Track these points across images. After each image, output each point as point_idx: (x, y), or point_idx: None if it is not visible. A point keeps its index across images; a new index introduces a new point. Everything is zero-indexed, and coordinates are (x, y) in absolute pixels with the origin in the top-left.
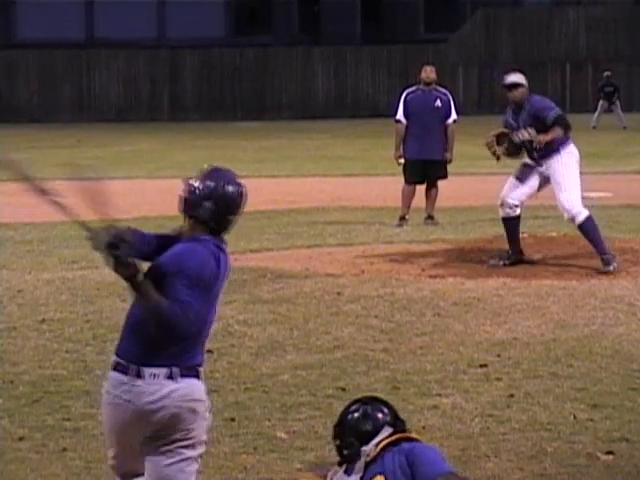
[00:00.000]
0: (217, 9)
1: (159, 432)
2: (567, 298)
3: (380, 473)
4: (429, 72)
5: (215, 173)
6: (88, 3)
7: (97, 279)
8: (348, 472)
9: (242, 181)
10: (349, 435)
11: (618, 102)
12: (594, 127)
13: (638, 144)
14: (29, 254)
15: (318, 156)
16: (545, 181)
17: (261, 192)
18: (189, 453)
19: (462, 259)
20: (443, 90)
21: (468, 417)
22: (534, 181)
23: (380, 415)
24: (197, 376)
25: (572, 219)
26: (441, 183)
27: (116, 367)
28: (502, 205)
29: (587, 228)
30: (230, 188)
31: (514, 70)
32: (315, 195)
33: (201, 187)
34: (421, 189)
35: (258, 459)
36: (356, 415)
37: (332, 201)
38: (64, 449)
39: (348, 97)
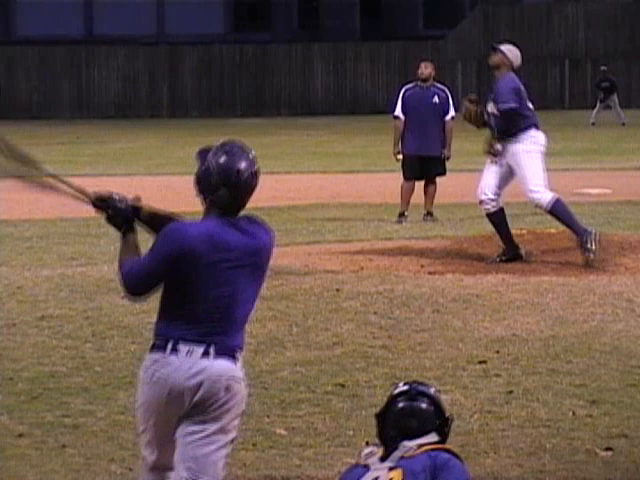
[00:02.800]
0: (216, 6)
1: (191, 413)
2: (566, 294)
3: (402, 467)
4: (424, 68)
5: (229, 152)
6: (87, 0)
7: (96, 276)
8: (382, 458)
9: (254, 154)
10: (392, 427)
11: (616, 98)
12: (593, 124)
13: (637, 140)
14: (28, 251)
15: (317, 153)
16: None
17: (260, 189)
18: (221, 437)
19: (461, 255)
20: (441, 86)
21: (467, 413)
22: (503, 170)
23: (430, 417)
24: (233, 357)
25: (540, 206)
26: (440, 179)
27: (153, 346)
28: (481, 203)
29: (556, 211)
30: (243, 169)
31: (513, 44)
32: (314, 192)
33: (215, 168)
34: (420, 186)
35: (257, 455)
36: (405, 409)
37: (331, 197)
38: (63, 446)
39: (347, 94)
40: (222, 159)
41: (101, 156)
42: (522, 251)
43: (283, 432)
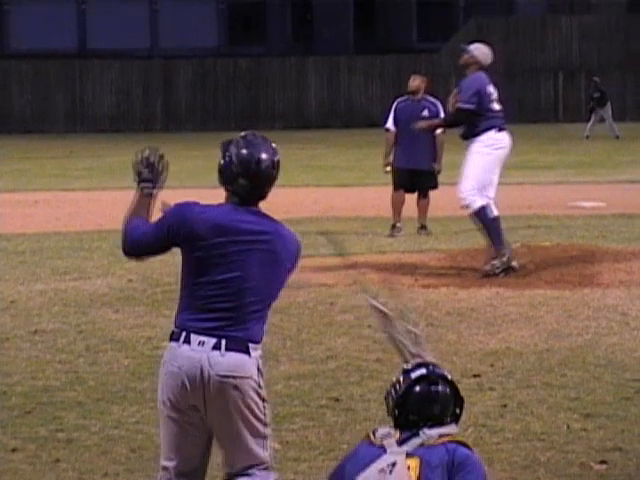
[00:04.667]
0: (210, 19)
1: (213, 414)
2: (560, 308)
3: (420, 456)
4: (412, 81)
5: (250, 142)
6: (81, 13)
7: (90, 290)
8: (399, 441)
9: (275, 145)
10: (413, 412)
11: (610, 111)
12: (587, 137)
13: (631, 153)
14: (22, 265)
15: (311, 166)
16: None
17: None
18: (252, 430)
19: (455, 269)
20: (433, 100)
21: (461, 427)
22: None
23: (450, 402)
24: (246, 351)
25: (466, 206)
26: (434, 193)
27: (170, 336)
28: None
29: (480, 217)
30: (263, 159)
31: (486, 44)
32: (308, 205)
33: (235, 158)
34: (413, 199)
35: None
36: (428, 394)
37: (325, 211)
38: (57, 460)
39: (341, 107)
40: (242, 149)
41: (95, 170)
42: (515, 263)
43: (277, 446)
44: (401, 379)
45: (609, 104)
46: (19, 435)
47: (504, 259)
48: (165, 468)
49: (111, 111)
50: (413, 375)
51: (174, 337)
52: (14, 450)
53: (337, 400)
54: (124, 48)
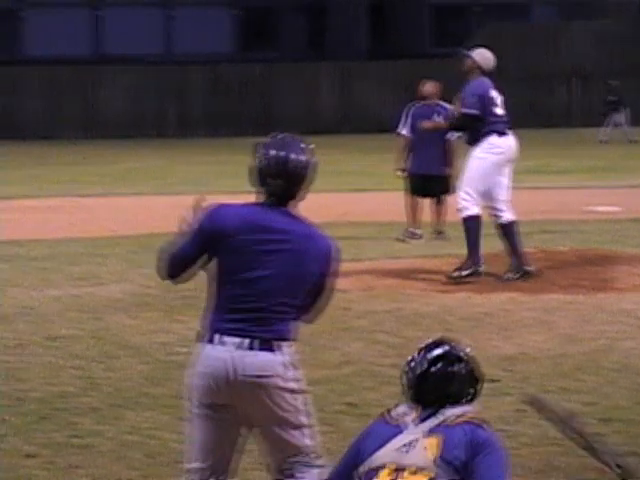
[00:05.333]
0: (224, 25)
1: (248, 414)
2: (575, 312)
3: (439, 436)
4: (424, 86)
5: (282, 143)
6: (95, 19)
7: (105, 296)
8: (418, 420)
9: (308, 146)
10: (431, 391)
11: (624, 116)
12: (601, 141)
13: None
14: (36, 271)
15: (325, 171)
16: None
17: None
18: (296, 424)
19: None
20: (445, 105)
21: None
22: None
23: (469, 381)
24: (275, 349)
25: (459, 210)
26: (449, 198)
27: (199, 337)
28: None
29: (467, 226)
30: (294, 160)
31: (487, 48)
32: (323, 211)
33: (267, 159)
34: (429, 204)
35: (267, 476)
36: (446, 374)
37: (340, 216)
38: (72, 466)
39: (354, 112)
40: (273, 150)
41: (108, 176)
42: (531, 268)
43: None
44: (417, 358)
45: (624, 108)
46: (34, 441)
47: (472, 269)
48: (191, 471)
49: (125, 117)
50: (430, 355)
51: (202, 338)
52: (29, 456)
53: (353, 405)
54: (138, 54)
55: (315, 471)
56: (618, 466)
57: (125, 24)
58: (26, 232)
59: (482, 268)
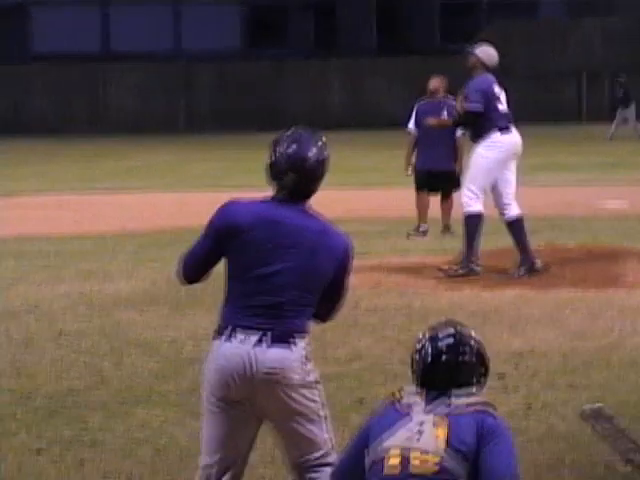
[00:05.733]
0: (233, 21)
1: (263, 402)
2: (585, 308)
3: (447, 424)
4: (431, 82)
5: (297, 139)
6: (104, 16)
7: (114, 292)
8: (426, 408)
9: (323, 142)
10: (440, 378)
11: (633, 112)
12: (611, 138)
13: None
14: (45, 267)
15: (335, 167)
16: None
17: None
18: (310, 418)
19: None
20: (452, 101)
21: None
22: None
23: (477, 368)
24: (289, 343)
25: (462, 207)
26: (457, 193)
27: (215, 332)
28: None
29: (467, 223)
30: (310, 156)
31: (495, 45)
32: (331, 206)
33: (283, 155)
34: (437, 200)
35: (276, 472)
36: (455, 362)
37: (348, 212)
38: (82, 462)
39: (364, 109)
40: (290, 146)
41: (117, 172)
42: (538, 263)
43: None
44: (427, 346)
45: (633, 105)
46: (44, 436)
47: (468, 268)
48: (206, 466)
49: (133, 114)
50: (440, 344)
51: (218, 333)
52: (39, 451)
53: (362, 402)
54: (147, 50)
55: (328, 469)
56: None
57: (133, 21)
58: (34, 228)
59: (479, 267)
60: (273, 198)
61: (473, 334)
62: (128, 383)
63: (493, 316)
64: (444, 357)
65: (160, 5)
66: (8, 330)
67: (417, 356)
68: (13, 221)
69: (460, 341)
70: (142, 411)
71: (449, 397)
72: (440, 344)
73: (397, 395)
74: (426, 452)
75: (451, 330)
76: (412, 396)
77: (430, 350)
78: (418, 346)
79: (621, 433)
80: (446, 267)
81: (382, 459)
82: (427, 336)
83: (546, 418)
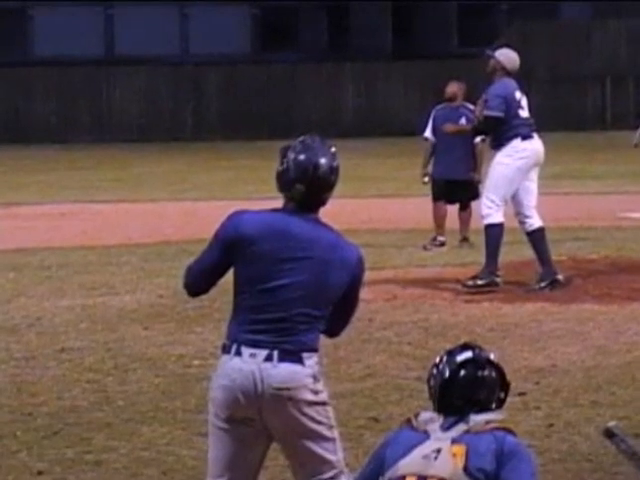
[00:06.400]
0: (243, 24)
1: (272, 421)
2: (608, 323)
3: (466, 443)
4: (448, 87)
5: (307, 147)
6: (108, 18)
7: (118, 306)
8: (444, 427)
9: (335, 150)
10: (459, 396)
11: None
12: (636, 145)
13: None
14: (47, 280)
15: (348, 176)
16: None
17: None
18: (322, 438)
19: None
20: (471, 107)
21: None
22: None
23: (497, 387)
24: (300, 360)
25: (483, 218)
26: (475, 203)
27: (222, 348)
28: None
29: (488, 233)
30: (321, 164)
31: (515, 48)
32: (345, 217)
33: (292, 164)
34: (454, 210)
35: None
36: (474, 379)
37: (363, 223)
38: None
39: (379, 115)
40: (300, 154)
41: (122, 181)
42: (560, 276)
43: None
44: (445, 362)
45: None
46: (45, 457)
47: (489, 279)
48: None
49: (139, 120)
50: (459, 358)
51: (225, 349)
52: (40, 473)
53: (376, 420)
54: (153, 54)
55: None
56: None
57: (139, 23)
58: (37, 240)
59: (500, 278)
60: (283, 208)
61: (492, 355)
62: (133, 401)
63: (513, 331)
64: (462, 372)
65: (166, 6)
66: (8, 346)
67: (434, 371)
68: (13, 232)
69: (479, 355)
70: (147, 430)
71: (467, 423)
72: (458, 358)
73: (413, 420)
74: (443, 479)
75: (467, 347)
76: (430, 417)
77: (447, 365)
78: (434, 364)
79: None
80: (470, 282)
81: None
82: (444, 353)
83: (568, 437)
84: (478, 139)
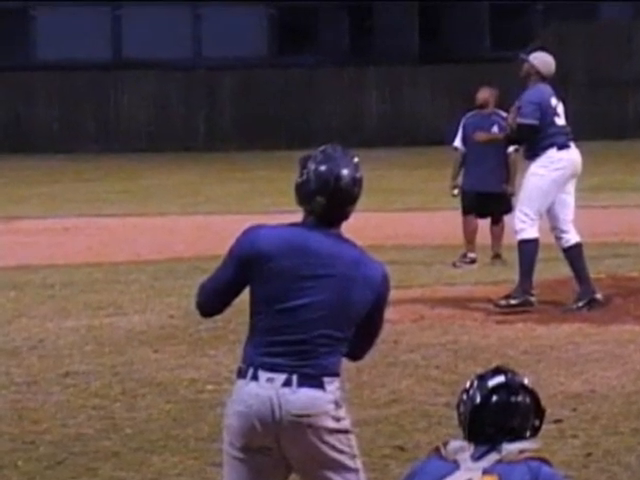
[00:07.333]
0: (259, 26)
1: (291, 449)
2: None
3: (498, 474)
4: (479, 93)
5: (328, 157)
6: (115, 18)
7: (126, 327)
8: (474, 456)
9: (358, 160)
10: (490, 424)
11: None
12: None
13: None
14: (50, 300)
15: (372, 188)
16: None
17: None
18: (344, 465)
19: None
20: (504, 114)
21: None
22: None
23: (531, 414)
24: (320, 386)
25: (516, 232)
26: (508, 218)
27: (238, 372)
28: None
29: (521, 249)
30: (343, 175)
31: (551, 51)
32: (369, 232)
33: (313, 175)
34: (486, 224)
35: None
36: (507, 405)
37: (388, 238)
38: None
39: (405, 123)
40: (320, 165)
41: (130, 193)
42: (599, 295)
43: None
44: (476, 387)
45: None
46: None
47: (523, 298)
48: None
49: (148, 128)
50: (490, 383)
51: (241, 374)
52: None
53: (402, 449)
54: (163, 57)
55: None
56: None
57: (148, 24)
58: (39, 256)
59: (534, 298)
60: (302, 223)
61: (526, 380)
62: (142, 429)
63: (549, 354)
64: (494, 398)
65: (178, 6)
66: (9, 370)
67: (464, 396)
68: (14, 248)
69: (512, 380)
70: (158, 460)
71: (500, 452)
72: (490, 383)
73: (442, 449)
74: None
75: (502, 371)
76: (460, 445)
77: (478, 390)
78: (464, 389)
79: None
80: (503, 302)
81: None
82: (475, 377)
83: (608, 467)
84: (511, 149)
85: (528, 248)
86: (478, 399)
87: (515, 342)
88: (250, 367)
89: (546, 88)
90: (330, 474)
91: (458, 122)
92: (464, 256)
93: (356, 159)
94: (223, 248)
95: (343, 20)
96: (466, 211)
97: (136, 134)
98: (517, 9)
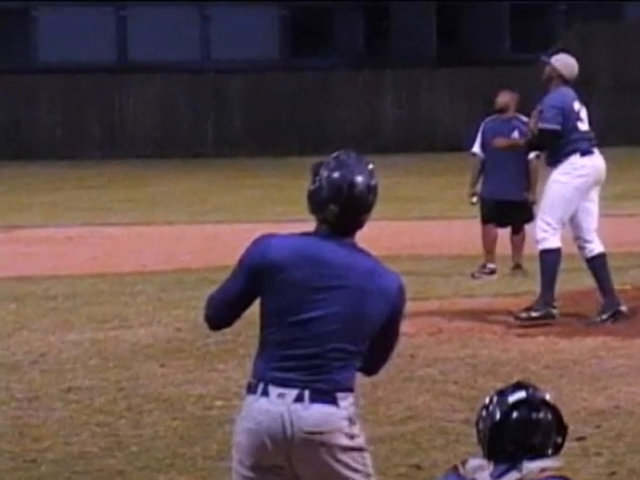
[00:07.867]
0: (270, 27)
1: (303, 467)
2: None
3: None
4: (499, 97)
5: (342, 164)
6: (120, 19)
7: (132, 340)
8: (494, 475)
9: (372, 167)
10: (511, 441)
11: None
12: None
13: None
14: (53, 312)
15: (387, 196)
16: None
17: None
18: None
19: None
20: (525, 119)
21: None
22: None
23: (553, 431)
24: (334, 402)
25: (537, 242)
26: (529, 227)
27: (248, 388)
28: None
29: (543, 259)
30: (357, 182)
31: (574, 54)
32: (384, 241)
33: (325, 182)
34: (506, 234)
35: None
36: (529, 422)
37: (404, 248)
38: None
39: (422, 128)
40: (334, 171)
41: (135, 202)
42: (624, 307)
43: None
44: (495, 402)
45: None
46: None
47: (545, 310)
48: None
49: (154, 133)
50: (510, 399)
51: (251, 389)
52: None
53: (418, 468)
54: (170, 60)
55: None
56: None
57: (154, 25)
58: (41, 267)
59: (556, 310)
60: (315, 232)
61: (548, 396)
62: (148, 446)
63: (572, 368)
64: (514, 414)
65: (185, 7)
66: (9, 385)
67: (483, 413)
68: (15, 258)
69: (533, 396)
70: (164, 479)
71: (520, 471)
72: (510, 399)
73: (460, 468)
74: None
75: (522, 386)
76: (479, 464)
77: (498, 406)
78: (483, 405)
79: None
80: (524, 315)
81: None
82: (494, 393)
83: None
84: (532, 155)
85: (550, 258)
86: (498, 415)
87: (536, 356)
88: (260, 382)
89: (569, 92)
90: None
91: (477, 127)
92: (483, 267)
93: (371, 166)
94: (233, 258)
95: (358, 21)
96: (485, 220)
97: (142, 139)
98: (538, 9)
